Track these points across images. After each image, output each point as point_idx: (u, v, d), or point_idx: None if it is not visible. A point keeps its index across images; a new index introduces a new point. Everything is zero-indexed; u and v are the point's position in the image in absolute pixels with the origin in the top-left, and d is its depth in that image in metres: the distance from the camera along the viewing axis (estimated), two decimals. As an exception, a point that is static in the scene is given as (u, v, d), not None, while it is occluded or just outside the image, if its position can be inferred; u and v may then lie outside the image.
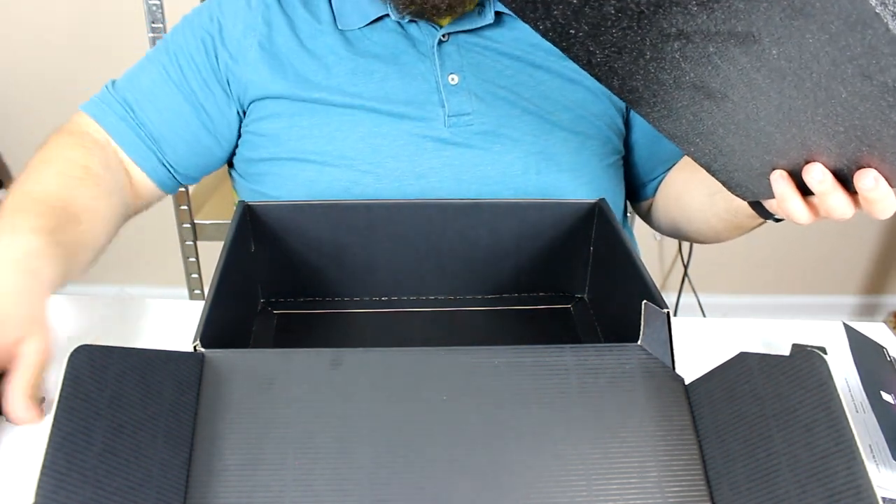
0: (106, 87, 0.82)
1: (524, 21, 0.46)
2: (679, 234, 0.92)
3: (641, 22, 0.44)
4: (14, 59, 1.73)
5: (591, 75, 0.49)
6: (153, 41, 1.33)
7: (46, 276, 0.55)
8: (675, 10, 0.42)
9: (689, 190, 0.84)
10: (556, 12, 0.44)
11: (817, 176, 0.51)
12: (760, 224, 0.74)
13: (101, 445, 0.41)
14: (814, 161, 0.51)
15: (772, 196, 0.56)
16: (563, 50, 0.47)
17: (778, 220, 0.68)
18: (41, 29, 1.69)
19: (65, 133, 0.76)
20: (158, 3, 1.30)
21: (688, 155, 0.57)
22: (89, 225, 0.67)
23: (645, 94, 0.50)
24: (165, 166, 0.81)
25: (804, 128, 0.48)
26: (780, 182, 0.54)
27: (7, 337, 0.48)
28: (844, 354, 0.73)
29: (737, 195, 0.61)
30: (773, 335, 0.78)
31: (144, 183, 0.80)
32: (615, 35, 0.45)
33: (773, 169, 0.54)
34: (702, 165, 0.58)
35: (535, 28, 0.46)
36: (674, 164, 0.89)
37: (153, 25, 1.32)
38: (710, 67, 0.46)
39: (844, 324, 0.72)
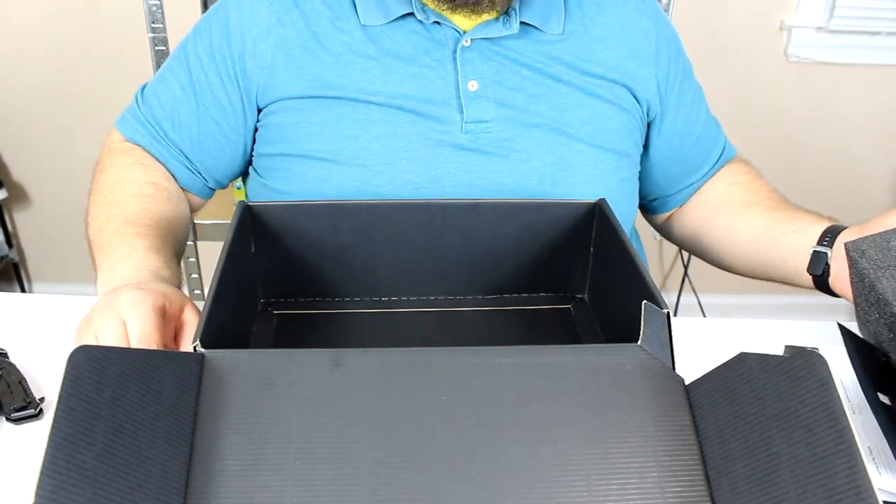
0: (136, 98, 0.85)
1: None
2: (698, 253, 0.94)
3: None
4: (15, 59, 1.72)
5: None
6: (153, 41, 1.33)
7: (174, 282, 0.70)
8: None
9: (735, 238, 0.87)
10: None
11: None
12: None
13: (101, 446, 0.41)
14: None
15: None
16: None
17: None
18: (42, 29, 1.69)
19: (119, 153, 0.83)
20: (158, 3, 1.30)
21: None
22: (174, 235, 0.77)
23: None
24: (197, 176, 0.85)
25: None
26: None
27: (178, 305, 0.62)
28: (842, 355, 0.73)
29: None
30: (773, 335, 0.78)
31: (187, 191, 0.86)
32: None
33: None
34: None
35: None
36: (693, 184, 0.91)
37: (153, 26, 1.32)
38: None
39: (839, 325, 0.72)
